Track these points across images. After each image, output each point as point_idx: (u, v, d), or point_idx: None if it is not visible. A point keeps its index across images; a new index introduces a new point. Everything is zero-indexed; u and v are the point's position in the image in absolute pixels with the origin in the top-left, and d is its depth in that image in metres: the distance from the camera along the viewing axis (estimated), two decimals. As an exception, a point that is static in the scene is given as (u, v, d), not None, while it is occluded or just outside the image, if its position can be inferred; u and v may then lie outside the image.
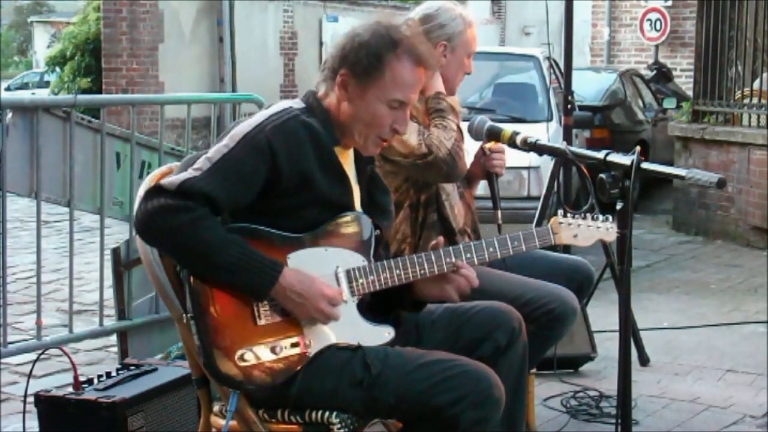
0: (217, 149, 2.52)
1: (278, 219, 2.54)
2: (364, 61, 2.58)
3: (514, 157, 3.74)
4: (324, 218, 2.60)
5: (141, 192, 2.66)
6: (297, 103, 2.66)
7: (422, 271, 2.66)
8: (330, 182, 2.58)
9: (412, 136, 3.20)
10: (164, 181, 2.45)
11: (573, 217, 2.83)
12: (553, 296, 3.24)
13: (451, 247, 2.70)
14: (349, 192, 2.66)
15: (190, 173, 2.47)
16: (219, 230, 2.44)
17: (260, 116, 2.59)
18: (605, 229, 2.81)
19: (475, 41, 3.41)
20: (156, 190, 2.45)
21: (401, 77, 2.60)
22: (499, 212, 3.39)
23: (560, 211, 2.85)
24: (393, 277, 2.63)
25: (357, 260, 2.62)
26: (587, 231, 2.84)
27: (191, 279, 2.48)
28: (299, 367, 2.52)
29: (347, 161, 2.70)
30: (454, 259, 2.67)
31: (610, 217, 2.81)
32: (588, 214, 2.86)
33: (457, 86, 3.44)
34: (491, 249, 2.74)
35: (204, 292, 2.47)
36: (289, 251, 2.54)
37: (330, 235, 2.60)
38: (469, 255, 2.71)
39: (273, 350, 2.50)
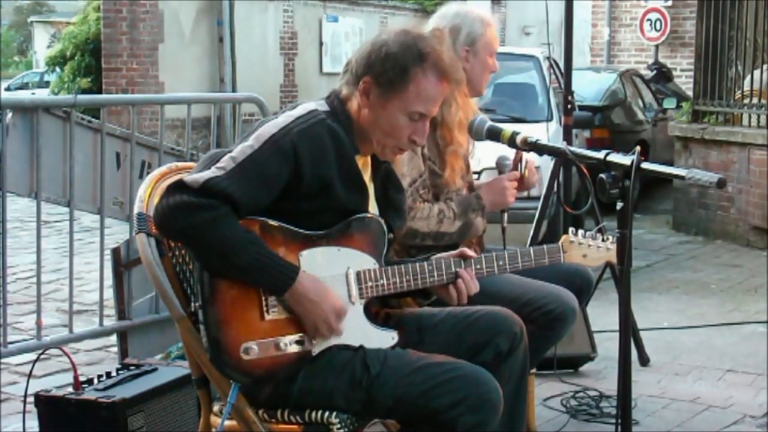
0: (241, 149, 2.51)
1: (293, 220, 2.54)
2: (390, 73, 2.58)
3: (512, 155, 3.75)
4: (338, 224, 2.61)
5: (142, 190, 2.68)
6: (322, 106, 2.65)
7: (431, 279, 2.69)
8: (348, 190, 2.58)
9: (405, 180, 3.23)
10: (187, 178, 2.45)
11: (584, 237, 2.86)
12: (552, 297, 3.25)
13: (462, 259, 2.73)
14: (366, 201, 2.67)
15: (213, 172, 2.46)
16: (239, 229, 2.44)
17: (286, 118, 2.57)
18: (615, 251, 2.82)
19: (496, 40, 3.49)
20: (178, 187, 2.44)
21: (425, 91, 2.60)
22: (506, 215, 3.42)
23: (571, 230, 2.88)
24: (402, 283, 2.65)
25: (368, 262, 2.63)
26: (596, 252, 2.89)
27: (204, 269, 2.49)
28: (301, 365, 2.53)
29: (366, 167, 2.71)
30: (463, 268, 2.70)
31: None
32: (598, 234, 2.90)
33: (484, 85, 3.53)
34: (501, 262, 2.79)
35: (215, 283, 2.48)
36: (302, 249, 2.55)
37: (343, 235, 2.60)
38: (479, 266, 2.74)
39: (277, 346, 2.50)
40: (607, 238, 2.89)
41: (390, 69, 2.58)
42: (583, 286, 3.55)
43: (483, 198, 3.42)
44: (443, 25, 3.42)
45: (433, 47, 2.63)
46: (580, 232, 2.88)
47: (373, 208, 2.72)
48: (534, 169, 3.53)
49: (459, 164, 3.40)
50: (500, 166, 3.51)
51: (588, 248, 2.88)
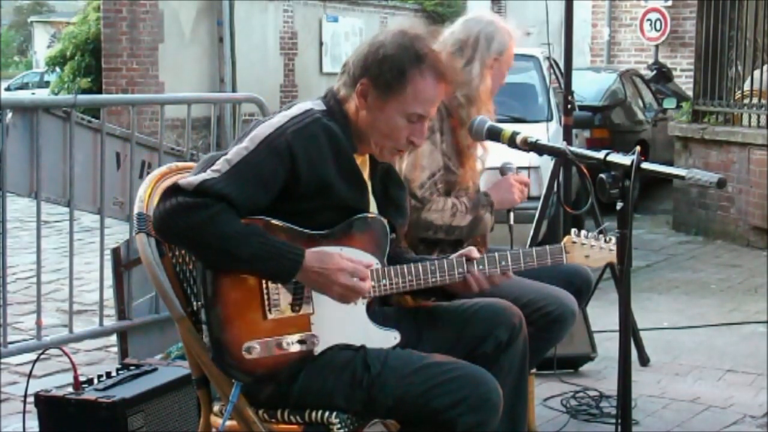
0: (236, 151, 2.51)
1: (294, 220, 2.54)
2: (387, 75, 2.57)
3: (513, 158, 3.76)
4: (340, 222, 2.60)
5: (142, 190, 2.68)
6: (318, 105, 2.64)
7: (434, 280, 2.69)
8: (348, 188, 2.58)
9: (424, 172, 3.24)
10: (182, 181, 2.45)
11: (586, 237, 2.87)
12: (551, 299, 3.24)
13: (464, 258, 2.73)
14: (367, 199, 2.67)
15: (208, 174, 2.46)
16: (237, 223, 2.44)
17: (281, 118, 2.57)
18: (616, 252, 2.83)
19: (513, 53, 3.59)
20: (174, 190, 2.44)
21: (423, 92, 2.60)
22: (512, 214, 3.44)
23: (573, 231, 2.88)
24: (405, 283, 2.65)
25: (370, 262, 2.62)
26: (599, 253, 2.89)
27: (206, 269, 2.49)
28: (303, 365, 2.53)
29: (364, 165, 2.71)
30: (466, 270, 2.71)
31: None
32: (600, 235, 2.90)
33: (493, 95, 3.57)
34: (503, 263, 2.79)
35: (217, 283, 2.48)
36: (305, 248, 2.54)
37: (346, 235, 2.60)
38: (481, 267, 2.75)
39: (279, 345, 2.51)
40: (609, 239, 2.90)
41: (387, 71, 2.57)
42: (582, 286, 3.55)
43: (491, 195, 3.45)
44: (477, 30, 3.46)
45: (431, 48, 2.63)
46: (583, 233, 2.89)
47: (372, 206, 2.71)
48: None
49: (475, 166, 3.45)
50: (504, 170, 3.54)
51: (590, 249, 2.88)
